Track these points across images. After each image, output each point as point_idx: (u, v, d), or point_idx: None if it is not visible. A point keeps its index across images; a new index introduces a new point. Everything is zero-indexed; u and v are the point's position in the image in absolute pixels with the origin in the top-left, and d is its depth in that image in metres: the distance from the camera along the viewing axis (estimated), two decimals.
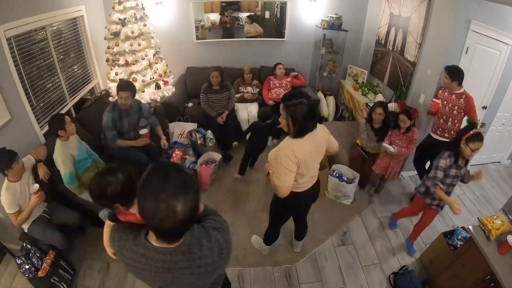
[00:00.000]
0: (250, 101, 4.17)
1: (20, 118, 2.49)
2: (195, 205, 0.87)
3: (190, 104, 4.13)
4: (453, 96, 2.69)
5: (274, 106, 4.00)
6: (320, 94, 4.45)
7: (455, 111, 2.70)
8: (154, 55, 3.67)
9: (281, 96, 3.86)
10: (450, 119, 2.74)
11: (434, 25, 3.00)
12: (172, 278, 0.98)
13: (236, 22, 4.33)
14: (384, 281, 2.43)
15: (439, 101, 2.76)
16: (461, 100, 2.65)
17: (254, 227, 2.82)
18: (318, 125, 1.74)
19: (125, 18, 3.28)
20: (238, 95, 4.06)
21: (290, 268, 2.51)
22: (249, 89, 4.16)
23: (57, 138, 2.29)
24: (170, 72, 4.01)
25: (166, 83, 3.82)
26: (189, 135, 3.65)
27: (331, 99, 4.48)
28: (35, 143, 2.64)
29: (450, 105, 2.73)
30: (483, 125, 3.27)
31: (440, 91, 2.83)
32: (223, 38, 4.43)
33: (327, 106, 4.39)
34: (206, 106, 3.72)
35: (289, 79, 4.16)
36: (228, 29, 4.37)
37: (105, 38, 3.39)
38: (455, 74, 2.59)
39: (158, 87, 3.69)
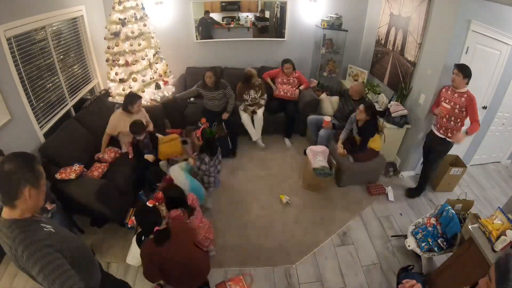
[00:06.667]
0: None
1: (20, 118, 2.49)
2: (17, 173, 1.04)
3: (192, 99, 4.12)
4: (456, 94, 2.71)
5: (280, 102, 4.04)
6: (323, 95, 4.41)
7: (456, 110, 2.72)
8: (154, 55, 3.67)
9: (288, 94, 4.01)
10: (453, 118, 2.75)
11: (434, 25, 3.00)
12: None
13: (236, 22, 4.34)
14: (384, 281, 2.44)
15: (449, 106, 2.76)
16: (463, 98, 2.67)
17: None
18: None
19: (125, 18, 3.28)
20: (242, 107, 3.89)
21: (290, 268, 2.51)
22: (251, 93, 3.84)
23: None
24: (170, 72, 4.01)
25: (166, 83, 3.82)
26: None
27: (334, 98, 4.46)
28: (35, 143, 2.64)
29: (452, 103, 2.74)
30: None
31: (444, 90, 2.84)
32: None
33: (331, 105, 4.35)
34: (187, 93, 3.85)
35: (296, 74, 4.06)
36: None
37: (105, 38, 3.40)
38: (467, 70, 2.60)
39: (158, 87, 3.69)
